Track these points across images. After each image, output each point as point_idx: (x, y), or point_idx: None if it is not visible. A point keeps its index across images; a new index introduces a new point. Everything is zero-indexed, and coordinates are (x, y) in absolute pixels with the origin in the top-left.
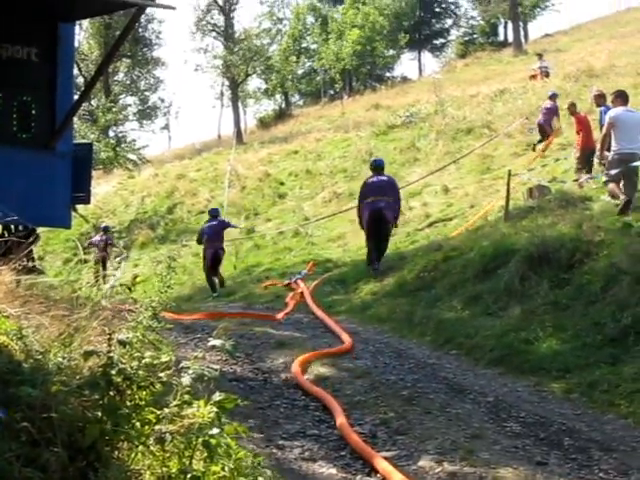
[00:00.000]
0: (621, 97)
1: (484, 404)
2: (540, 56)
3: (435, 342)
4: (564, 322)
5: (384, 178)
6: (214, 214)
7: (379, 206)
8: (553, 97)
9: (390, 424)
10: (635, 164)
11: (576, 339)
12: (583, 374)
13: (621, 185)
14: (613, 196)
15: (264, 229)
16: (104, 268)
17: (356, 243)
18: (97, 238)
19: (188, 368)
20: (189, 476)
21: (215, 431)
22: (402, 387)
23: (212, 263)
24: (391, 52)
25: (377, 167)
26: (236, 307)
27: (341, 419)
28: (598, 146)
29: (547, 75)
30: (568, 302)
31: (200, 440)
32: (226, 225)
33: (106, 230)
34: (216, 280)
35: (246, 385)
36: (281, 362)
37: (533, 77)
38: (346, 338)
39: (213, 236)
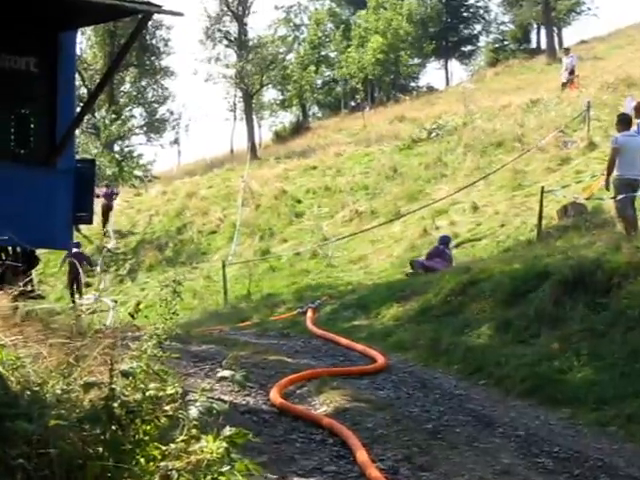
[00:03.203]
0: (623, 121)
1: (514, 438)
2: (567, 51)
3: (463, 371)
4: (601, 350)
5: None
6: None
7: None
8: None
9: (413, 460)
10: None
11: (613, 368)
12: (621, 405)
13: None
14: (625, 225)
15: (280, 250)
16: (107, 218)
17: (378, 265)
18: (104, 190)
19: (196, 401)
20: None
21: (225, 468)
22: (427, 420)
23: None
24: (416, 60)
25: None
26: (249, 334)
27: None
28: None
29: (572, 72)
30: (605, 328)
31: (209, 478)
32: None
33: (109, 185)
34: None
35: (259, 418)
36: (297, 393)
37: (566, 85)
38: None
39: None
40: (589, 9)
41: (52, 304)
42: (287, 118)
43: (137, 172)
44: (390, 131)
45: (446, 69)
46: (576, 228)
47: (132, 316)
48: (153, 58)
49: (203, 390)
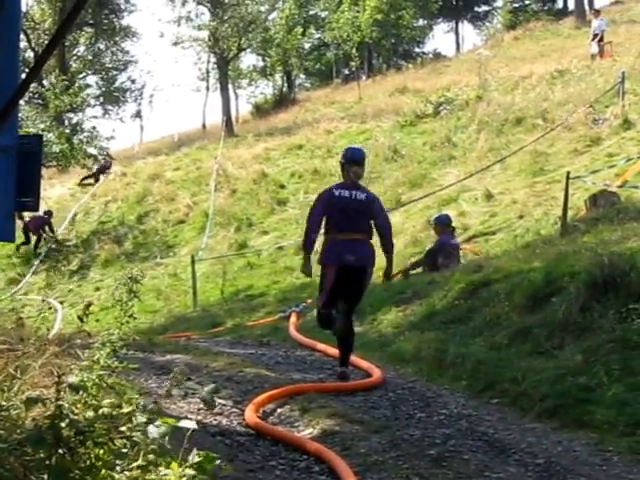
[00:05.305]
0: None
1: (532, 467)
2: (597, 13)
3: (472, 388)
4: (635, 364)
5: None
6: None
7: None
8: None
9: None
10: None
11: None
12: None
13: None
14: None
15: (259, 244)
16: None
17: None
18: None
19: (156, 419)
20: None
21: None
22: (429, 445)
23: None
24: (421, 22)
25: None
26: (222, 342)
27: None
28: None
29: (601, 39)
30: None
31: None
32: None
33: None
34: None
35: (233, 441)
36: (278, 412)
37: (596, 56)
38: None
39: None
40: None
41: None
42: (269, 89)
43: (91, 150)
44: (390, 105)
45: (456, 33)
46: (607, 221)
47: (81, 319)
48: (112, 16)
49: (157, 408)
